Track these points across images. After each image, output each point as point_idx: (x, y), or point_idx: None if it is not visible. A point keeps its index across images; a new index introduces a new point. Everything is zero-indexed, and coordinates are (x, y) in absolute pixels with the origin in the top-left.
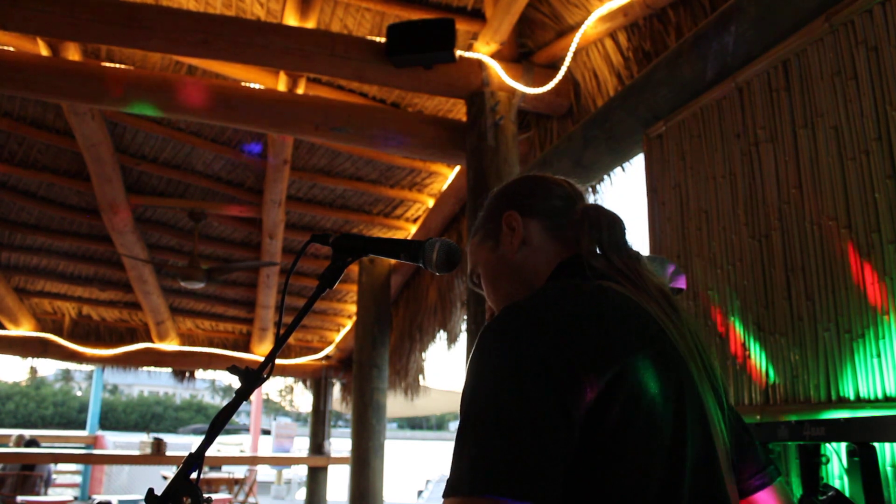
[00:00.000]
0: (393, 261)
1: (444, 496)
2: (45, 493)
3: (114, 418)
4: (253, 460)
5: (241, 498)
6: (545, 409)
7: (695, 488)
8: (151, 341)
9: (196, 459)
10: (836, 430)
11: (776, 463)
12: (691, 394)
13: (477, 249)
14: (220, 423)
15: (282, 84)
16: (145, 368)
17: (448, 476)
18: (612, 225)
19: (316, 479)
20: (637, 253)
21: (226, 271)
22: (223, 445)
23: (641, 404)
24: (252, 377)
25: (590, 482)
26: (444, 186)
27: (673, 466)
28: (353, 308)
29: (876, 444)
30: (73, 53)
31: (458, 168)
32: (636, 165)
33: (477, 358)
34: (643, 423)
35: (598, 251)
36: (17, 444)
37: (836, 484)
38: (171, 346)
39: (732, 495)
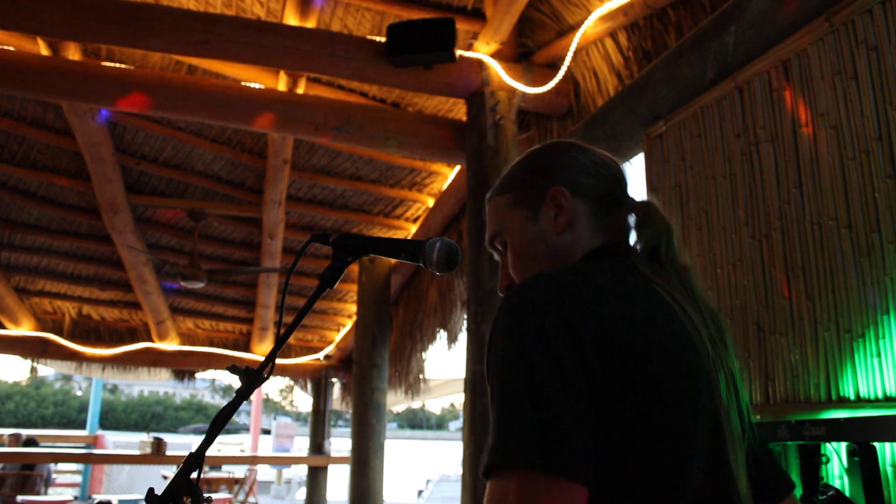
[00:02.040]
0: (393, 261)
1: (480, 473)
2: (45, 493)
3: (114, 418)
4: (253, 460)
5: (241, 498)
6: (575, 377)
7: (701, 477)
8: (151, 341)
9: (196, 459)
10: (836, 430)
11: (789, 476)
12: (707, 392)
13: (506, 214)
14: (220, 422)
15: (282, 84)
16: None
17: (488, 443)
18: (669, 233)
19: (316, 479)
20: (687, 267)
21: (227, 275)
22: (223, 445)
23: (654, 390)
24: (252, 377)
25: (600, 464)
26: (444, 186)
27: (681, 457)
28: (353, 308)
29: (876, 444)
30: (73, 53)
31: (458, 168)
32: (636, 165)
33: (502, 322)
34: (655, 407)
35: (652, 258)
36: (12, 444)
37: (836, 484)
38: (171, 345)
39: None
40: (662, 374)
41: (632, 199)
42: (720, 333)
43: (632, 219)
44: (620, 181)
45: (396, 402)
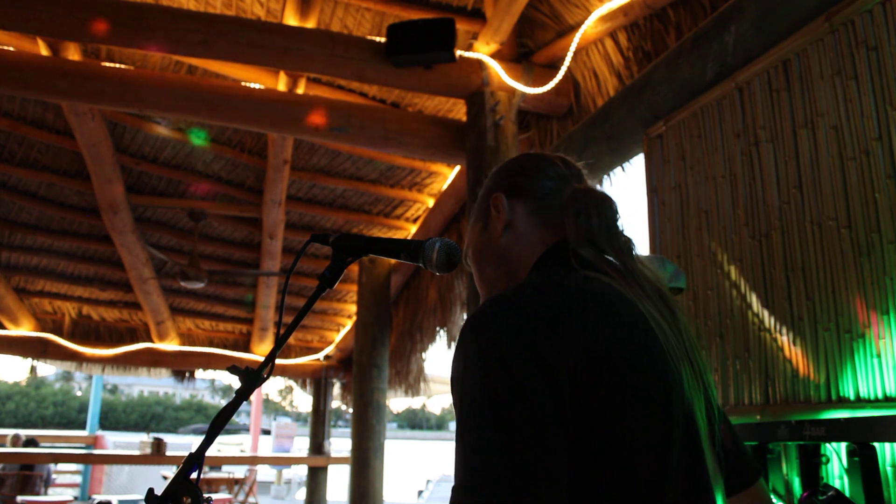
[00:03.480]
0: (393, 261)
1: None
2: (45, 493)
3: (114, 418)
4: (253, 460)
5: (241, 498)
6: (541, 405)
7: (678, 486)
8: (151, 341)
9: (196, 459)
10: (836, 430)
11: (757, 463)
12: (678, 392)
13: (470, 230)
14: (220, 423)
15: (282, 84)
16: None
17: (454, 482)
18: (601, 209)
19: (316, 479)
20: (629, 240)
21: (227, 276)
22: (223, 445)
23: (627, 400)
24: (252, 377)
25: (577, 481)
26: (444, 186)
27: (658, 466)
28: (353, 308)
29: (876, 444)
30: (73, 53)
31: (458, 168)
32: (636, 165)
33: (463, 354)
34: (629, 418)
35: (587, 239)
36: (14, 444)
37: (836, 484)
38: (171, 346)
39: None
40: (634, 383)
41: (569, 189)
42: (673, 317)
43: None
44: (566, 178)
45: (397, 398)
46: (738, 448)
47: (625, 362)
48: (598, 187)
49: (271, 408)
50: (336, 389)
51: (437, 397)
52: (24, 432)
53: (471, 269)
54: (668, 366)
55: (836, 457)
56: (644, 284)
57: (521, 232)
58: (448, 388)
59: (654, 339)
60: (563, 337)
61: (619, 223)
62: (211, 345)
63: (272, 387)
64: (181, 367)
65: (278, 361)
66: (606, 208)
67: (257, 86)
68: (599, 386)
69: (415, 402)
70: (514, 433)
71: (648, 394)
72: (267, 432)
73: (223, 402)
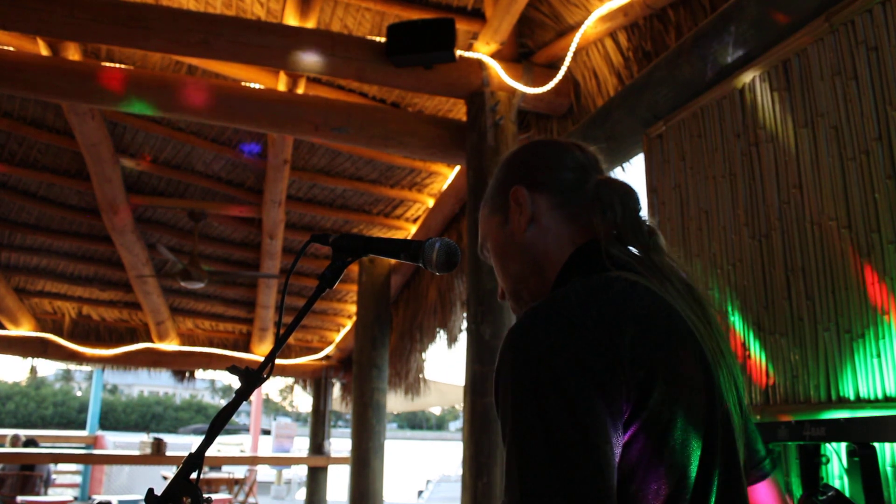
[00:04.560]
0: (393, 261)
1: None
2: (45, 494)
3: (114, 418)
4: (253, 460)
5: (241, 498)
6: (593, 422)
7: (722, 491)
8: (151, 341)
9: (196, 459)
10: (836, 430)
11: (773, 457)
12: (718, 396)
13: (486, 222)
14: (220, 423)
15: (282, 84)
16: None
17: (503, 501)
18: (625, 202)
19: (316, 479)
20: (653, 230)
21: (226, 277)
22: (223, 445)
23: (675, 411)
24: (252, 377)
25: (623, 491)
26: (444, 186)
27: (703, 475)
28: (353, 308)
29: (876, 444)
30: (73, 53)
31: (458, 168)
32: (636, 165)
33: (510, 370)
34: (677, 429)
35: (616, 235)
36: (14, 444)
37: (836, 484)
38: (171, 346)
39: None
40: (680, 393)
41: (592, 181)
42: (704, 312)
43: (600, 206)
44: (585, 167)
45: (396, 408)
46: (755, 440)
47: (671, 372)
48: (617, 176)
49: (271, 408)
50: (336, 390)
51: (435, 409)
52: (23, 432)
53: (489, 262)
54: (707, 370)
55: (836, 457)
56: (674, 280)
57: (546, 227)
58: (447, 393)
59: (694, 342)
60: (612, 350)
61: (642, 214)
62: (211, 345)
63: (272, 387)
64: (181, 367)
65: (278, 361)
66: (630, 200)
67: (257, 86)
68: (650, 398)
69: (414, 406)
70: (567, 452)
71: (694, 402)
72: (267, 432)
73: (223, 402)
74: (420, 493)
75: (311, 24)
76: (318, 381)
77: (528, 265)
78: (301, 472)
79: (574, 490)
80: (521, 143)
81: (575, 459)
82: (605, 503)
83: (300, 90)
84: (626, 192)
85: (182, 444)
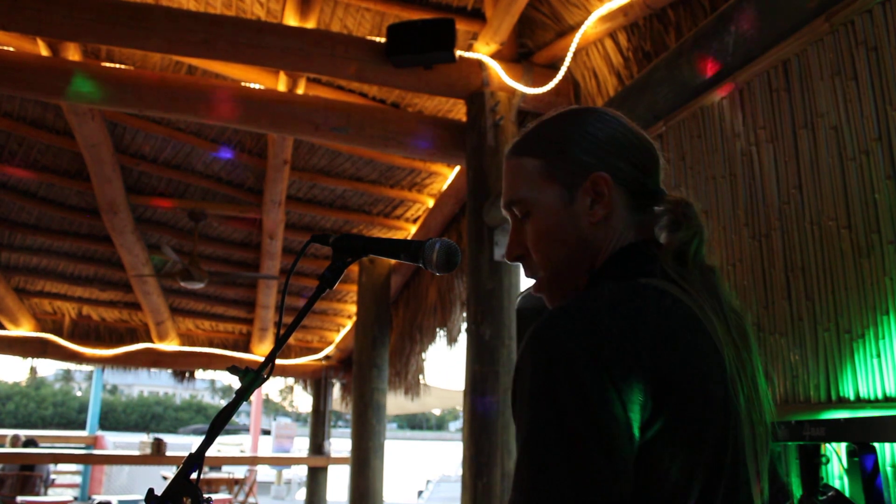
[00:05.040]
0: (393, 261)
1: None
2: (45, 494)
3: (114, 418)
4: (253, 460)
5: (241, 498)
6: (610, 428)
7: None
8: (151, 341)
9: (196, 459)
10: (836, 430)
11: (787, 488)
12: (734, 421)
13: (536, 183)
14: (220, 423)
15: (282, 84)
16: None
17: (512, 497)
18: (702, 235)
19: (316, 479)
20: (713, 268)
21: (226, 279)
22: (223, 445)
23: (686, 428)
24: (252, 377)
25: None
26: (444, 186)
27: (706, 492)
28: (353, 308)
29: (876, 444)
30: (73, 53)
31: (458, 168)
32: None
33: (531, 367)
34: (685, 445)
35: (678, 257)
36: (14, 445)
37: (836, 484)
38: (171, 346)
39: None
40: (699, 411)
41: (668, 196)
42: (746, 344)
43: (664, 216)
44: (657, 171)
45: (395, 410)
46: (774, 469)
47: (689, 389)
48: (696, 207)
49: (271, 408)
50: (336, 390)
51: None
52: (23, 433)
53: (510, 218)
54: (727, 394)
55: (836, 457)
56: (728, 313)
57: (614, 227)
58: (445, 396)
59: (719, 362)
60: (635, 360)
61: (705, 246)
62: (211, 345)
63: (272, 387)
64: (181, 367)
65: (278, 361)
66: (704, 238)
67: (257, 86)
68: (663, 412)
69: (414, 408)
70: (583, 455)
71: (709, 420)
72: (267, 432)
73: (223, 403)
74: (420, 493)
75: (311, 24)
76: (318, 381)
77: (582, 258)
78: (301, 472)
79: (586, 492)
80: (589, 107)
81: (590, 462)
82: (615, 501)
83: (300, 90)
84: (702, 231)
85: (182, 444)
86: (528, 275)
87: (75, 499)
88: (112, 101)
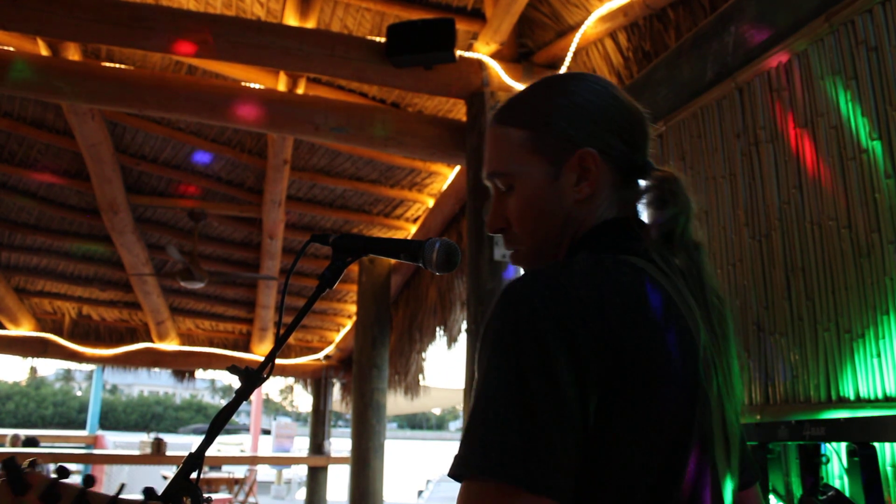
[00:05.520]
0: (393, 261)
1: (448, 474)
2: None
3: (114, 418)
4: (253, 460)
5: (241, 498)
6: (566, 394)
7: (690, 494)
8: (151, 341)
9: (196, 459)
10: (836, 430)
11: (757, 465)
12: (704, 403)
13: (521, 155)
14: (220, 423)
15: (282, 84)
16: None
17: (456, 453)
18: (689, 213)
19: (316, 479)
20: (699, 245)
21: (225, 279)
22: (223, 445)
23: (650, 405)
24: (252, 377)
25: (586, 476)
26: (444, 186)
27: (669, 472)
28: (353, 308)
29: (876, 444)
30: (73, 53)
31: (458, 168)
32: None
33: (499, 323)
34: (648, 422)
35: (665, 235)
36: (14, 444)
37: (836, 484)
38: (171, 346)
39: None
40: (661, 390)
41: (656, 171)
42: (724, 329)
43: (650, 192)
44: (646, 144)
45: (396, 410)
46: (745, 450)
47: (655, 370)
48: (684, 182)
49: (271, 408)
50: (336, 390)
51: (436, 410)
52: (23, 432)
53: (492, 188)
54: (697, 376)
55: (836, 457)
56: (708, 295)
57: (599, 205)
58: (445, 396)
59: (693, 347)
60: (601, 332)
61: (692, 225)
62: (211, 345)
63: (272, 387)
64: (181, 367)
65: (278, 361)
66: (692, 215)
67: (257, 86)
68: (625, 389)
69: (414, 407)
70: (538, 416)
71: (671, 400)
72: (267, 432)
73: (223, 402)
74: (420, 493)
75: (311, 24)
76: (318, 381)
77: (564, 234)
78: (301, 472)
79: (534, 452)
80: (579, 73)
81: (542, 424)
82: (561, 474)
83: (300, 90)
84: (690, 208)
85: (182, 444)
86: (508, 246)
87: None
88: (112, 101)
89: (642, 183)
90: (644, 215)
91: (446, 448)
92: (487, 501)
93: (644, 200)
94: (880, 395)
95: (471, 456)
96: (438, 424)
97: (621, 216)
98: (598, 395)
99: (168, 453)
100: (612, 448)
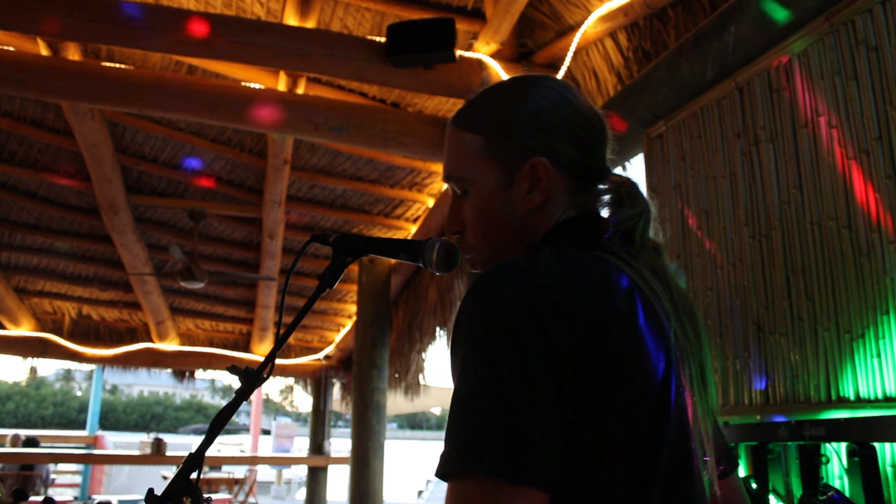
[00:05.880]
0: (393, 261)
1: (436, 474)
2: (45, 494)
3: (114, 418)
4: (253, 460)
5: (241, 498)
6: (542, 382)
7: (668, 481)
8: (151, 341)
9: (196, 459)
10: (836, 430)
11: (734, 454)
12: (678, 388)
13: (476, 162)
14: (220, 423)
15: (282, 84)
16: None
17: (441, 452)
18: (648, 215)
19: (316, 479)
20: (659, 247)
21: (225, 279)
22: (223, 445)
23: (625, 390)
24: (252, 377)
25: (566, 464)
26: (444, 186)
27: (646, 459)
28: (353, 308)
29: (876, 444)
30: (73, 53)
31: None
32: (636, 165)
33: (468, 319)
34: (624, 409)
35: (625, 236)
36: (14, 444)
37: (836, 484)
38: (171, 346)
39: (712, 486)
40: (635, 378)
41: (613, 176)
42: (693, 324)
43: (607, 195)
44: (602, 150)
45: (396, 410)
46: (722, 439)
47: (627, 351)
48: (639, 186)
49: (271, 408)
50: (336, 390)
51: (435, 409)
52: (23, 432)
53: (451, 191)
54: (669, 365)
55: (836, 457)
56: (674, 292)
57: (552, 211)
58: (445, 396)
59: (663, 336)
60: (571, 317)
61: (651, 228)
62: (211, 345)
63: (272, 387)
64: (181, 367)
65: (278, 361)
66: (651, 217)
67: (257, 86)
68: (598, 372)
69: (414, 407)
70: (514, 407)
71: (646, 386)
72: (267, 432)
73: (223, 402)
74: (420, 493)
75: (311, 24)
76: (318, 381)
77: (518, 242)
78: (301, 472)
79: (515, 442)
80: (537, 77)
81: (521, 414)
82: (544, 462)
83: (300, 90)
84: (649, 210)
85: (182, 444)
86: (464, 252)
87: (75, 498)
88: (112, 101)
89: (601, 187)
90: (604, 215)
91: None
92: (473, 498)
93: (601, 203)
94: (880, 395)
95: (453, 453)
96: (438, 424)
97: (580, 214)
98: (573, 378)
99: (168, 453)
100: (591, 432)
